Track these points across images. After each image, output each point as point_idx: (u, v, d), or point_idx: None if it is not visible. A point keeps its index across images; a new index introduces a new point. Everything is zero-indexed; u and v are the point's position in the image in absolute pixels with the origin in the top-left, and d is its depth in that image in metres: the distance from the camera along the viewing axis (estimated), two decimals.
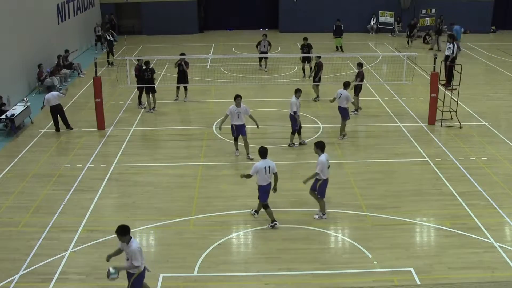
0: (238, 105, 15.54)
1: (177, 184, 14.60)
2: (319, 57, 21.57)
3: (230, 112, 15.60)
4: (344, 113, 17.27)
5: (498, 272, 10.57)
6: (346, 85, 17.40)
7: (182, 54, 21.86)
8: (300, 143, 16.87)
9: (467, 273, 10.50)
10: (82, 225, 12.37)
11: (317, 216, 12.55)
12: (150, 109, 20.37)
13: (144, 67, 20.09)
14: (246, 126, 15.91)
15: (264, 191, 12.12)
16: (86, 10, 32.47)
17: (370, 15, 36.68)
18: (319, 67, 21.25)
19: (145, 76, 20.04)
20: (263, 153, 12.14)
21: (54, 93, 18.51)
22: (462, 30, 30.84)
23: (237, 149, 16.16)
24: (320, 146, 12.31)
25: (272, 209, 12.21)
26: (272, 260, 11.03)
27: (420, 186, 14.37)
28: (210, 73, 25.05)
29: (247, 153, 15.94)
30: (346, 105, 17.19)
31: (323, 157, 12.18)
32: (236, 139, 16.08)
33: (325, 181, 12.35)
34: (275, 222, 12.21)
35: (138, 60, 20.70)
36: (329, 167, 12.31)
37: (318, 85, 21.30)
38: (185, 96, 21.74)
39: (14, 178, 14.91)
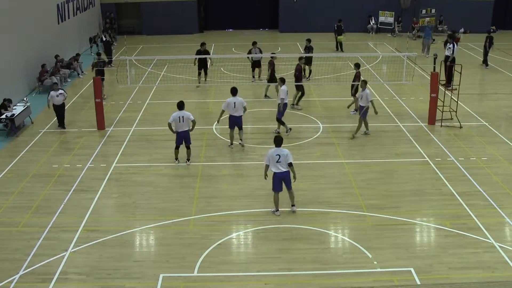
0: (233, 94, 16.34)
1: (177, 184, 14.61)
2: (272, 56, 22.10)
3: (227, 104, 16.28)
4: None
5: (498, 272, 10.57)
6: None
7: (203, 44, 23.51)
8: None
9: (467, 273, 10.51)
10: (82, 225, 12.37)
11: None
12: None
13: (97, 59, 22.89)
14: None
15: (178, 137, 15.28)
16: (86, 10, 32.48)
17: (370, 15, 36.69)
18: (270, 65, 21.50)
19: (99, 66, 21.92)
20: (179, 105, 15.18)
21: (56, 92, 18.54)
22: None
23: (231, 142, 16.62)
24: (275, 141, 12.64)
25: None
26: (272, 260, 11.04)
27: (420, 186, 14.38)
28: (210, 73, 24.96)
29: (240, 139, 16.69)
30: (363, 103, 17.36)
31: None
32: (232, 130, 16.52)
33: (274, 175, 12.51)
34: (178, 160, 15.56)
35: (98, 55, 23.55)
36: (278, 161, 12.39)
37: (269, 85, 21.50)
38: (205, 80, 23.49)
39: (14, 178, 14.91)
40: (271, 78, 21.51)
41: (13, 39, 21.23)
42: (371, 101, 17.17)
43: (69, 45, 27.85)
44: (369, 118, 19.57)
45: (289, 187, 12.61)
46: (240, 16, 38.42)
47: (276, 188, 12.52)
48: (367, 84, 17.58)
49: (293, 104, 20.24)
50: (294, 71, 20.39)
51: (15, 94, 20.50)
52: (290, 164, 12.37)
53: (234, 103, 16.23)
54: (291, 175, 12.49)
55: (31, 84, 22.85)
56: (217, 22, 38.69)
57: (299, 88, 20.26)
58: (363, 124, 17.54)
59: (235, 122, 16.42)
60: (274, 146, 12.56)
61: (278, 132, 17.55)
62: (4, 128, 18.14)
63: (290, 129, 17.70)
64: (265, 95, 21.82)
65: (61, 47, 26.49)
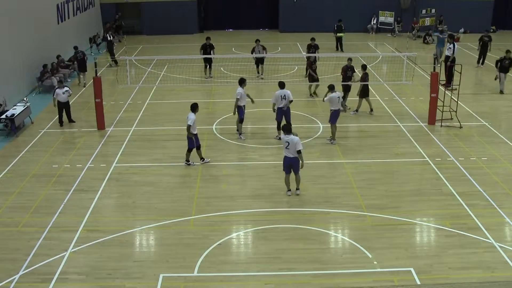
0: (239, 84, 17.39)
1: (177, 184, 14.61)
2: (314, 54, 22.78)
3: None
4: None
5: (498, 272, 10.57)
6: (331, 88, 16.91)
7: (208, 38, 24.61)
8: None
9: (467, 273, 10.51)
10: (82, 225, 12.37)
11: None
12: (80, 83, 23.69)
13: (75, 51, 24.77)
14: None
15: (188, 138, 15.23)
16: (86, 10, 32.49)
17: (370, 15, 36.69)
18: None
19: (78, 57, 24.04)
20: (192, 108, 15.18)
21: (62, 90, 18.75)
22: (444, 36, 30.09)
23: (237, 129, 17.52)
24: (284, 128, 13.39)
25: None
26: (272, 260, 11.04)
27: (420, 186, 14.38)
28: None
29: (238, 133, 17.48)
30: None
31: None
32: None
33: (284, 158, 13.40)
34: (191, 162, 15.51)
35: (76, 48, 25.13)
36: (287, 147, 13.14)
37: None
38: (210, 73, 24.52)
39: (14, 178, 14.91)
40: (311, 78, 21.78)
41: (13, 39, 21.22)
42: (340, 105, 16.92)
43: (69, 45, 27.81)
44: (369, 117, 19.61)
45: (295, 172, 13.39)
46: (240, 16, 38.43)
47: (285, 170, 13.47)
48: (334, 90, 16.78)
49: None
50: (341, 71, 20.50)
51: (15, 94, 20.50)
52: (299, 152, 13.01)
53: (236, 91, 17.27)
54: (300, 162, 13.16)
55: (31, 84, 22.84)
56: (217, 22, 38.68)
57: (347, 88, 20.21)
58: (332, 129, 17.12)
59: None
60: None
61: (279, 138, 17.39)
62: (4, 128, 18.14)
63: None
64: (313, 93, 22.11)
65: (61, 47, 26.48)
